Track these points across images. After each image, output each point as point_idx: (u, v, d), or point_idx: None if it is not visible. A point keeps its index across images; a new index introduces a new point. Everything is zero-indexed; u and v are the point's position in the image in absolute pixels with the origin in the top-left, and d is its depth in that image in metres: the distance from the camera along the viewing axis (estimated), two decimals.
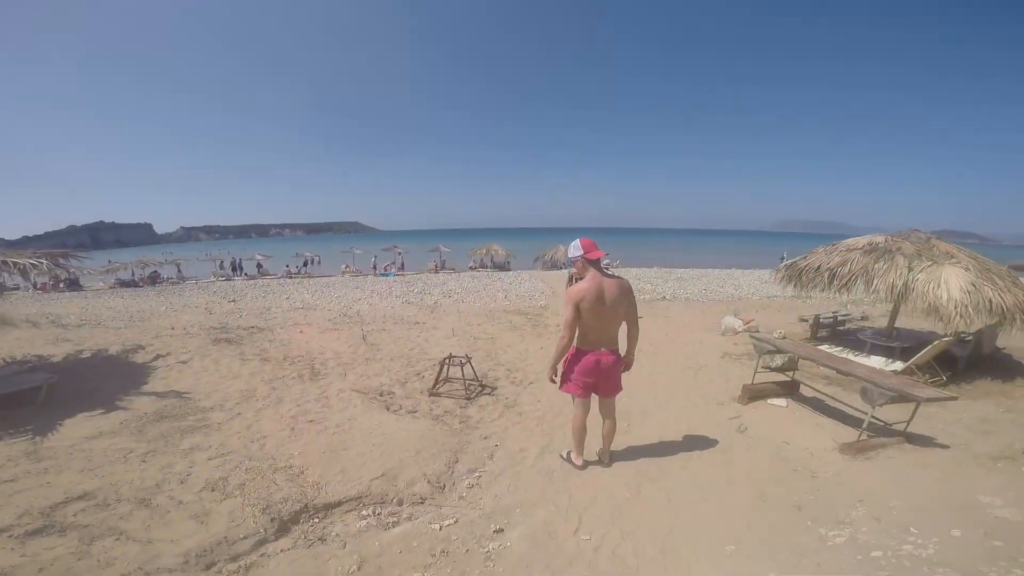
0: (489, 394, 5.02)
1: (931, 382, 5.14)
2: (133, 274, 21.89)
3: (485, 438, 3.93)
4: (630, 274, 18.82)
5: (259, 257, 26.28)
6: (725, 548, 2.43)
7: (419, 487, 3.11)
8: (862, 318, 8.96)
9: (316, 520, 2.77)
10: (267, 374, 5.55)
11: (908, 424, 3.66)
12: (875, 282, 5.70)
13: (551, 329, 8.14)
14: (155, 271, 22.20)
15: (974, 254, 5.74)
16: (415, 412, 4.47)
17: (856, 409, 4.29)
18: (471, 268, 25.16)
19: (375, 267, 24.00)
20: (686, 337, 7.80)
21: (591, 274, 3.00)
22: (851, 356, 5.88)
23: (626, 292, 3.02)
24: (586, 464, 3.38)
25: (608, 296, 2.94)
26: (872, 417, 3.61)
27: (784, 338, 6.68)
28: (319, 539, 2.62)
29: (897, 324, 6.50)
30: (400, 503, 2.95)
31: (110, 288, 18.45)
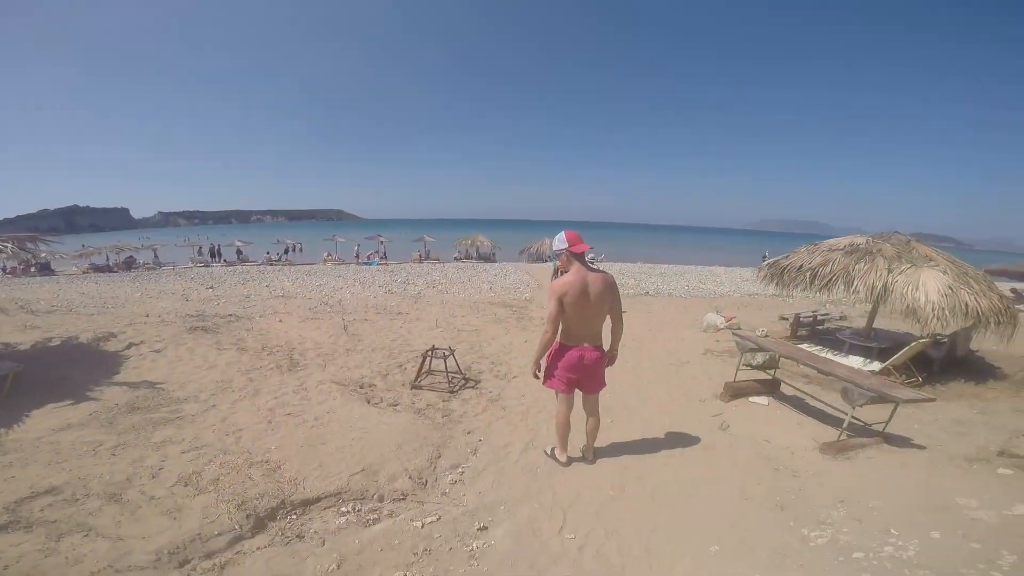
0: (473, 387, 4.97)
1: (907, 383, 5.25)
2: (108, 259, 21.22)
3: (468, 433, 3.88)
4: (614, 269, 18.92)
5: (239, 243, 25.71)
6: (709, 548, 2.43)
7: (400, 483, 3.04)
8: (841, 318, 9.13)
9: (294, 517, 2.69)
10: (244, 364, 5.40)
11: (887, 425, 3.72)
12: (855, 283, 5.79)
13: (536, 322, 8.10)
14: (131, 256, 21.55)
15: (952, 257, 5.86)
16: (396, 405, 4.39)
17: (835, 408, 4.36)
18: (456, 259, 25.00)
19: (358, 256, 23.67)
20: (668, 333, 7.86)
21: (575, 268, 2.95)
22: (830, 355, 5.98)
23: (611, 287, 2.98)
24: (570, 461, 3.35)
25: (592, 290, 2.90)
26: (852, 417, 3.65)
27: (766, 336, 6.76)
28: (297, 536, 2.54)
29: (875, 325, 6.63)
30: (381, 499, 2.88)
31: (83, 273, 17.86)
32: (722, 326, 8.16)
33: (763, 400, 4.69)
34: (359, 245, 24.93)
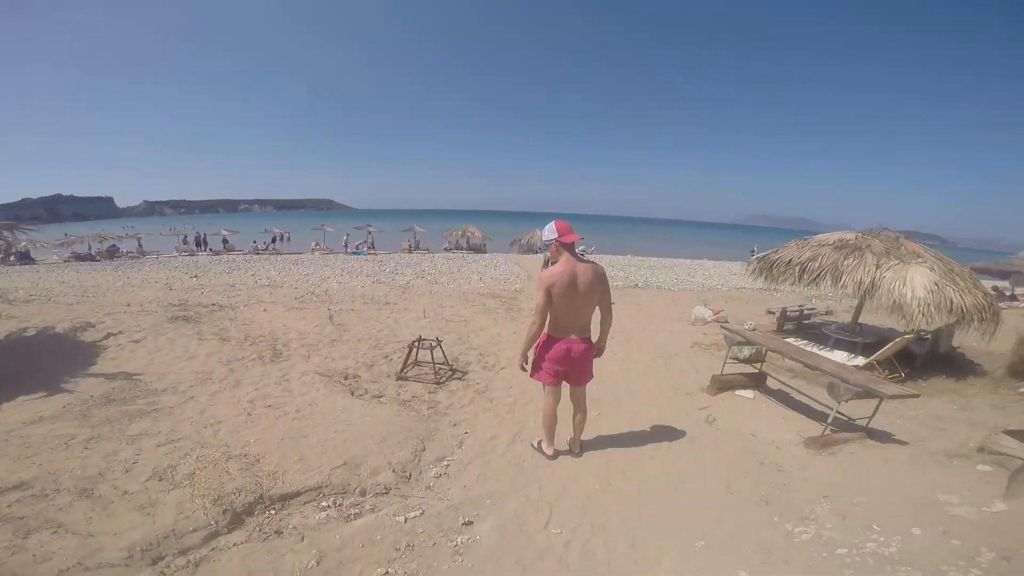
0: (459, 379, 4.92)
1: (891, 378, 5.30)
2: (90, 248, 20.77)
3: (454, 425, 3.83)
4: (604, 261, 18.92)
5: (225, 232, 25.26)
6: (695, 543, 2.41)
7: (384, 476, 2.98)
8: (827, 313, 9.22)
9: (272, 512, 2.62)
10: (226, 355, 5.28)
11: (870, 420, 3.74)
12: (844, 278, 5.82)
13: (525, 313, 8.05)
14: (114, 245, 21.09)
15: (939, 254, 5.92)
16: (381, 397, 4.32)
17: (820, 403, 4.38)
18: (446, 249, 24.84)
19: (346, 245, 23.40)
20: (657, 326, 7.87)
21: (564, 258, 2.89)
22: (815, 349, 6.02)
23: (600, 278, 2.93)
24: (557, 454, 3.32)
25: (581, 281, 2.85)
26: (837, 412, 3.67)
27: (754, 330, 6.79)
28: (275, 532, 2.48)
29: (860, 320, 6.69)
30: (363, 494, 2.82)
31: (65, 262, 17.43)
32: (710, 319, 8.20)
33: (749, 394, 4.70)
34: (348, 235, 24.64)
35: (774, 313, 8.57)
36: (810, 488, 2.93)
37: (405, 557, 2.34)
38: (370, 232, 25.20)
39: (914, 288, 5.30)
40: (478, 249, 25.18)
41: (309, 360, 5.27)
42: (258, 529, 2.49)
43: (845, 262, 5.93)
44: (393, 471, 3.05)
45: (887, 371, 5.53)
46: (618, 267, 17.50)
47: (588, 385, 3.24)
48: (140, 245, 22.62)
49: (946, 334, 6.00)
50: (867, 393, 3.49)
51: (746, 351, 5.39)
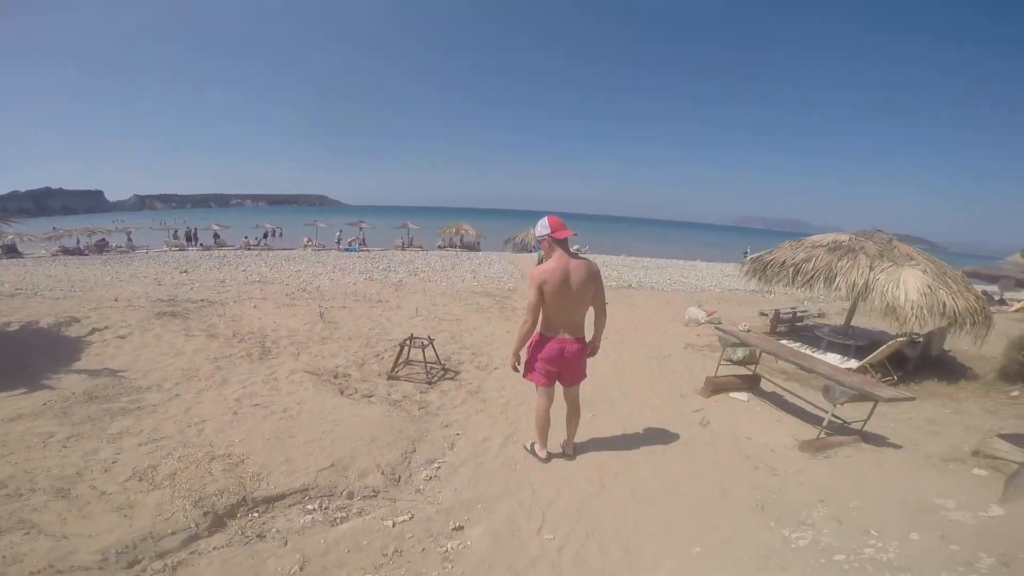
0: (452, 379, 4.85)
1: (883, 381, 5.30)
2: (79, 241, 20.42)
3: (446, 426, 3.76)
4: (597, 260, 18.86)
5: (216, 227, 24.96)
6: (691, 549, 2.36)
7: (372, 479, 2.90)
8: (819, 315, 9.25)
9: (255, 514, 2.54)
10: (213, 352, 5.17)
11: (865, 423, 3.72)
12: (837, 279, 5.81)
13: (519, 312, 7.99)
14: (103, 239, 20.74)
15: (932, 257, 5.92)
16: (371, 397, 4.24)
17: (814, 405, 4.36)
18: (439, 247, 24.72)
19: (339, 241, 23.20)
20: (651, 326, 7.85)
21: (557, 254, 2.83)
22: (808, 352, 6.01)
23: (594, 275, 2.86)
24: (550, 456, 3.26)
25: (574, 279, 2.78)
26: (832, 415, 3.64)
27: (749, 331, 6.77)
28: (257, 536, 2.40)
29: (852, 323, 6.69)
30: (350, 496, 2.75)
31: (53, 256, 17.17)
32: (703, 320, 8.19)
33: (743, 396, 4.67)
34: (341, 231, 24.44)
35: (767, 315, 8.57)
36: (806, 492, 2.89)
37: (393, 563, 2.27)
38: (362, 228, 25.00)
39: (907, 291, 5.29)
40: (472, 247, 25.08)
41: (298, 358, 5.18)
42: (240, 532, 2.41)
43: (839, 264, 5.92)
44: (382, 473, 2.98)
45: (880, 374, 5.53)
46: (612, 267, 17.51)
47: (582, 386, 3.18)
48: (129, 239, 22.31)
49: (938, 337, 6.02)
50: (863, 396, 3.47)
51: (740, 353, 5.37)
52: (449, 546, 2.39)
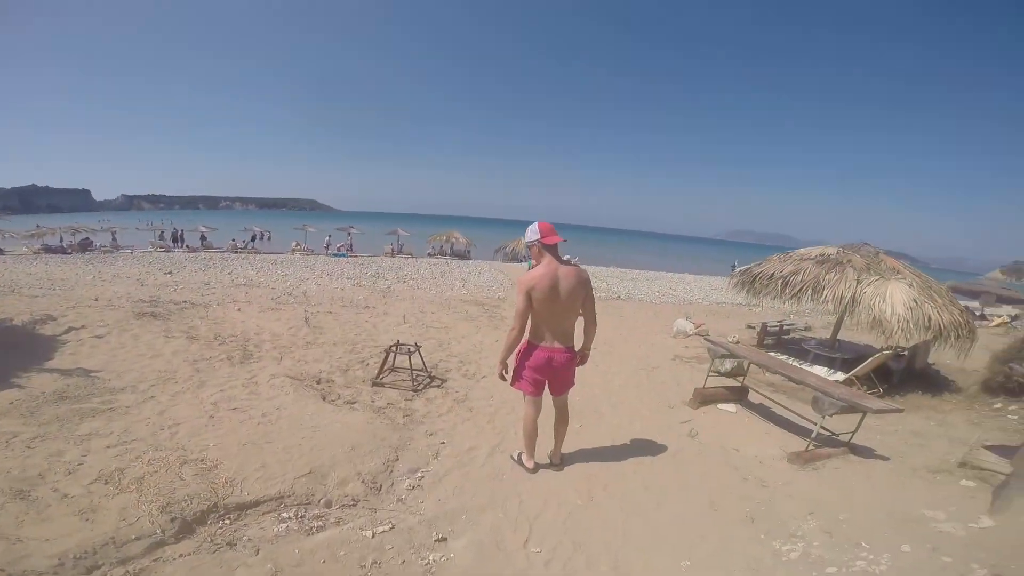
0: (438, 387, 4.75)
1: (869, 393, 5.32)
2: (62, 240, 20.04)
3: (431, 435, 3.66)
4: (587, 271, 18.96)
5: (203, 229, 24.65)
6: (680, 562, 2.30)
7: (352, 487, 2.80)
8: (805, 328, 9.32)
9: (226, 522, 2.42)
10: (192, 354, 5.01)
11: (853, 435, 3.70)
12: (825, 292, 5.85)
13: (508, 322, 7.91)
14: (87, 238, 20.36)
15: (917, 271, 5.99)
16: (354, 403, 4.12)
17: (801, 417, 4.35)
18: (429, 255, 24.62)
19: (328, 246, 23.01)
20: (639, 338, 7.83)
21: (546, 260, 2.77)
22: (795, 364, 6.02)
23: (584, 282, 2.80)
24: (537, 467, 3.18)
25: (564, 285, 2.72)
26: (821, 427, 3.62)
27: (737, 343, 6.78)
28: (228, 543, 2.28)
29: (838, 336, 6.73)
30: (328, 505, 2.63)
31: (35, 253, 16.81)
32: (691, 332, 8.19)
33: (731, 407, 4.64)
34: (330, 236, 24.26)
35: (754, 328, 8.61)
36: (795, 504, 2.85)
37: (371, 575, 2.17)
38: (350, 234, 24.83)
39: (894, 304, 5.33)
40: (462, 255, 25.01)
41: (281, 362, 5.04)
42: (209, 540, 2.28)
43: (827, 276, 5.96)
44: (362, 482, 2.87)
45: (866, 387, 5.55)
46: (601, 278, 17.55)
47: (570, 396, 3.12)
48: (114, 239, 21.91)
49: (922, 351, 6.07)
50: (851, 408, 3.45)
51: (727, 364, 5.36)
52: (431, 558, 2.29)
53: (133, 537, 2.21)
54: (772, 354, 6.56)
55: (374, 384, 4.62)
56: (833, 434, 3.82)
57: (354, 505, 2.67)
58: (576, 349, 2.97)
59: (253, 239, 25.43)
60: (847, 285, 5.74)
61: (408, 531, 2.47)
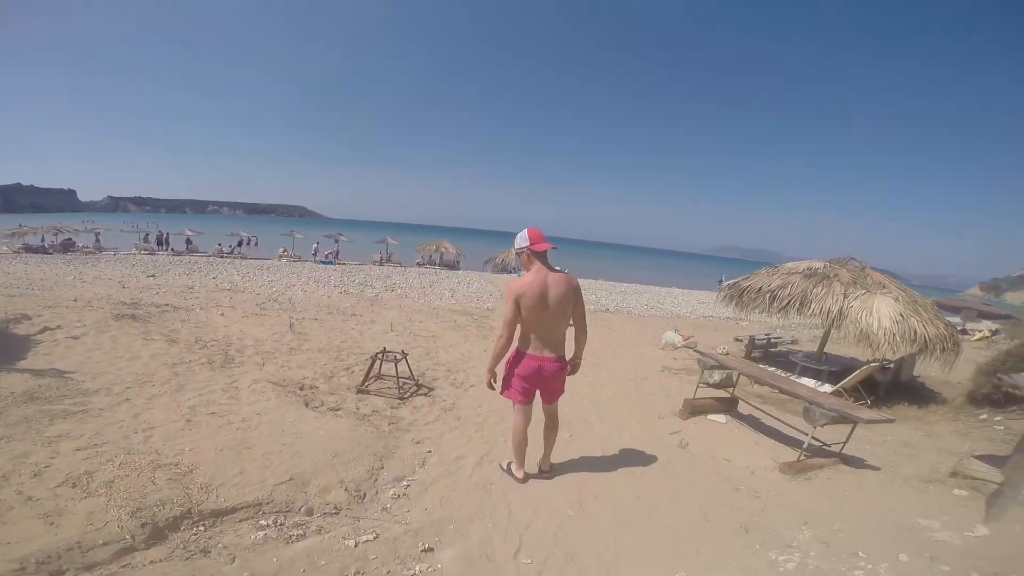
0: (425, 395, 4.65)
1: (857, 404, 5.34)
2: (44, 239, 19.56)
3: (417, 443, 3.56)
4: None
5: (189, 232, 24.26)
6: (675, 574, 2.22)
7: (334, 495, 2.69)
8: (792, 342, 9.39)
9: (201, 528, 2.30)
10: (172, 357, 4.86)
11: (844, 445, 3.68)
12: (813, 306, 5.89)
13: (497, 331, 7.81)
14: (69, 238, 19.88)
15: (903, 286, 6.07)
16: (338, 410, 4.00)
17: (792, 427, 4.33)
18: (418, 264, 24.46)
19: (315, 253, 22.75)
20: (627, 350, 7.81)
21: (536, 267, 2.72)
22: (785, 376, 6.03)
23: (574, 290, 2.75)
24: (527, 477, 3.09)
25: (553, 293, 2.66)
26: (812, 437, 3.60)
27: (727, 354, 6.79)
28: (201, 551, 2.16)
29: (825, 349, 6.78)
30: (309, 513, 2.52)
31: (15, 253, 16.35)
32: (680, 344, 8.20)
33: (721, 418, 4.61)
34: (318, 243, 23.99)
35: (741, 340, 8.66)
36: (789, 514, 2.80)
37: None
38: (337, 240, 24.58)
39: (880, 318, 5.39)
40: (451, 266, 24.89)
41: (263, 368, 4.91)
42: (182, 546, 2.17)
43: (814, 290, 6.01)
44: (345, 490, 2.77)
45: (853, 398, 5.57)
46: (590, 291, 17.58)
47: (560, 404, 3.06)
48: (98, 240, 21.45)
49: (908, 363, 6.13)
50: (843, 418, 3.43)
51: (716, 376, 5.34)
52: (417, 569, 2.19)
53: (100, 542, 2.09)
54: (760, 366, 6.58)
55: (359, 391, 4.51)
56: (824, 444, 3.80)
57: (336, 513, 2.56)
58: (567, 358, 2.91)
59: (240, 244, 25.07)
60: (834, 299, 5.79)
61: (393, 541, 2.37)
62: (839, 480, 3.36)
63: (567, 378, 2.98)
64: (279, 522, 2.41)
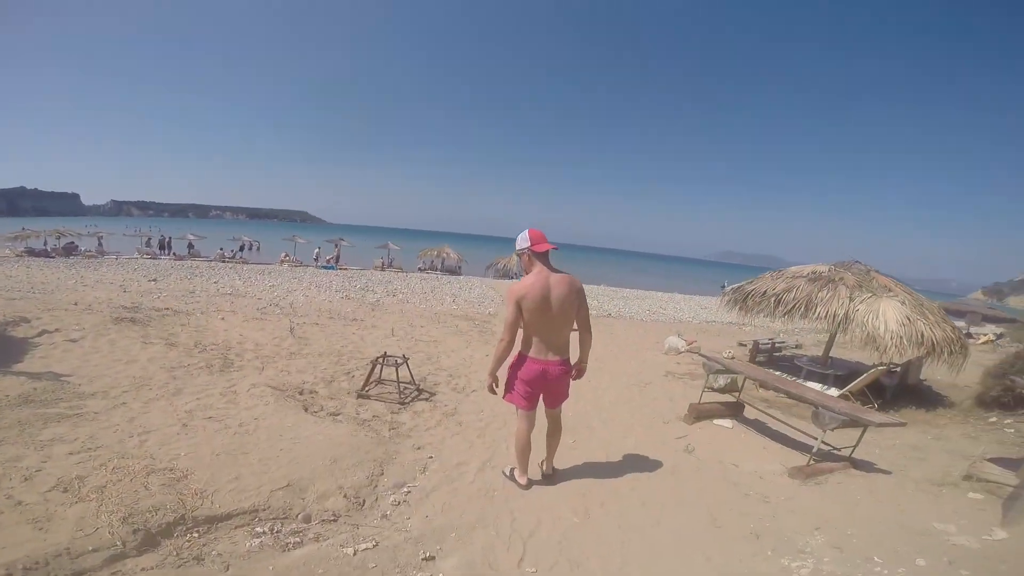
0: (426, 400, 4.58)
1: (865, 408, 5.27)
2: (46, 243, 19.62)
3: (418, 448, 3.49)
4: None
5: (191, 237, 24.31)
6: None
7: (333, 502, 2.62)
8: (796, 346, 9.30)
9: (195, 535, 2.22)
10: (170, 361, 4.80)
11: (854, 449, 3.61)
12: (818, 309, 5.82)
13: (499, 337, 7.74)
14: (71, 242, 19.92)
15: (909, 289, 6.00)
16: (338, 415, 3.93)
17: (799, 432, 4.26)
18: (420, 269, 24.44)
19: (317, 258, 22.74)
20: (630, 355, 7.74)
21: (537, 269, 2.66)
22: (791, 380, 5.96)
23: (577, 291, 2.69)
24: (530, 483, 3.02)
25: (555, 294, 2.60)
26: (822, 441, 3.52)
27: (733, 359, 6.72)
28: (195, 558, 2.09)
29: (830, 353, 6.70)
30: (307, 520, 2.45)
31: (17, 256, 16.37)
32: (683, 349, 8.12)
33: (727, 423, 4.54)
34: (319, 248, 24.00)
35: (745, 345, 8.58)
36: (800, 520, 2.73)
37: None
38: (337, 245, 24.56)
39: (887, 321, 5.31)
40: (453, 271, 24.87)
41: (263, 372, 4.85)
42: (175, 553, 2.10)
43: (819, 294, 5.94)
44: (344, 496, 2.70)
45: (860, 402, 5.50)
46: (591, 296, 17.44)
47: (564, 410, 3.00)
48: (100, 244, 21.48)
49: (915, 367, 6.06)
50: (853, 422, 3.37)
51: (722, 380, 5.27)
52: None
53: (90, 548, 2.02)
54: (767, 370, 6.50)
55: (359, 396, 4.44)
56: (833, 448, 3.72)
57: (335, 520, 2.49)
58: (571, 362, 2.85)
59: (241, 249, 25.12)
60: (840, 303, 5.72)
61: (393, 549, 2.31)
62: (850, 484, 3.28)
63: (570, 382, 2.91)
64: (275, 529, 2.34)
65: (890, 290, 5.84)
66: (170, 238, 24.53)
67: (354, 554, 2.23)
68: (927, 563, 2.20)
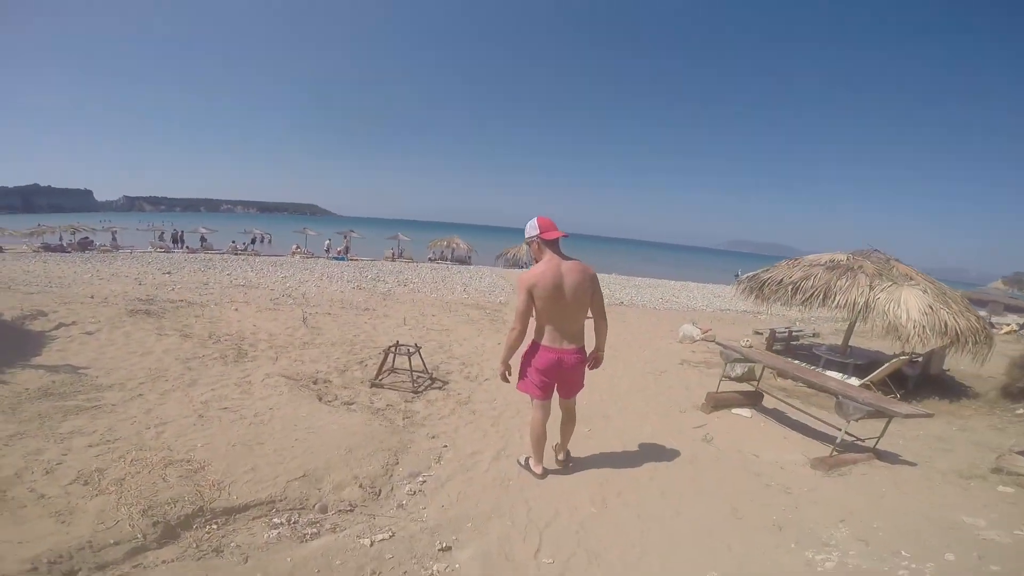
0: (440, 388, 4.57)
1: (889, 398, 5.15)
2: (61, 238, 19.92)
3: (432, 437, 3.48)
4: None
5: (203, 230, 24.52)
6: (707, 574, 2.10)
7: (349, 492, 2.61)
8: (813, 335, 9.15)
9: (213, 527, 2.23)
10: (185, 352, 4.84)
11: (879, 440, 3.52)
12: (837, 298, 5.69)
13: (510, 325, 7.72)
14: (86, 237, 20.22)
15: (930, 277, 5.84)
16: (352, 404, 3.94)
17: (820, 422, 4.18)
18: (430, 260, 24.45)
19: (328, 250, 22.83)
20: (643, 343, 7.66)
21: (547, 256, 2.60)
22: (812, 369, 5.85)
23: (590, 278, 2.63)
24: (546, 472, 2.98)
25: (568, 282, 2.55)
26: (846, 432, 3.44)
27: (751, 347, 6.62)
28: (214, 550, 2.10)
29: (849, 343, 6.57)
30: (323, 511, 2.45)
31: (34, 252, 16.64)
32: (698, 337, 8.02)
33: (746, 412, 4.46)
34: (330, 240, 24.08)
35: (762, 334, 8.45)
36: (823, 511, 2.66)
37: None
38: (347, 237, 24.63)
39: (909, 310, 5.18)
40: (463, 261, 24.85)
41: (276, 362, 4.87)
42: (194, 545, 2.10)
43: (838, 282, 5.81)
44: (360, 486, 2.69)
45: (882, 392, 5.39)
46: (603, 284, 17.20)
47: (579, 399, 2.95)
48: (114, 239, 21.76)
49: (938, 356, 5.91)
50: (878, 412, 3.27)
51: (739, 369, 5.19)
52: (435, 569, 2.10)
53: (111, 541, 2.03)
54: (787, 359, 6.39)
55: (373, 385, 4.44)
56: (857, 439, 3.64)
57: (351, 511, 2.49)
58: (586, 351, 2.79)
59: (253, 241, 25.28)
60: (860, 291, 5.59)
61: (409, 539, 2.29)
62: (874, 476, 3.19)
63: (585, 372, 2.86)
64: (292, 520, 2.34)
65: (911, 278, 5.70)
66: (183, 232, 24.78)
67: (371, 545, 2.21)
68: (956, 557, 2.13)
